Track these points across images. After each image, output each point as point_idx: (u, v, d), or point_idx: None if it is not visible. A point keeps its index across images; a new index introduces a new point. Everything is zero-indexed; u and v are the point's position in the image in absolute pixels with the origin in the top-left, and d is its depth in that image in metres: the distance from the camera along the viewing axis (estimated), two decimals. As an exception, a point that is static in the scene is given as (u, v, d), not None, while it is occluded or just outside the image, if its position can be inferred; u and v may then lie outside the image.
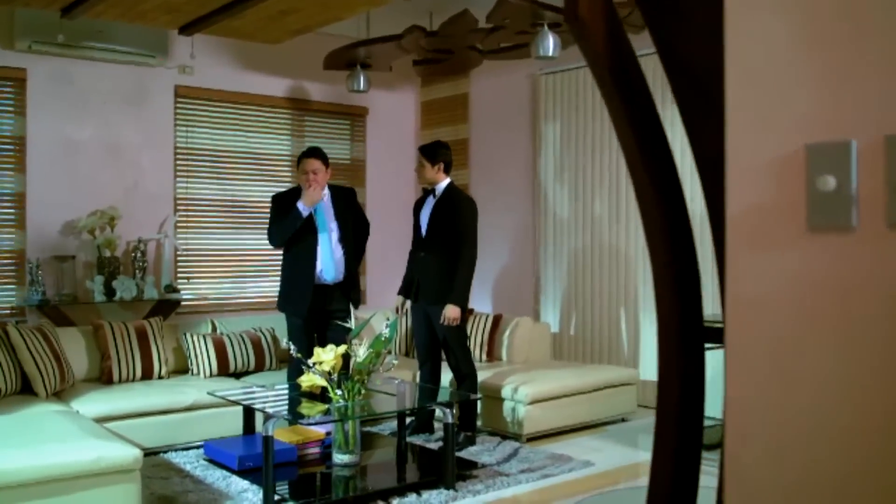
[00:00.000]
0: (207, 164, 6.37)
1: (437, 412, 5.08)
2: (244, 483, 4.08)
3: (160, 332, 5.35)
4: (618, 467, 4.58)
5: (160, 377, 5.22)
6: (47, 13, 5.19)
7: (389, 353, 4.35)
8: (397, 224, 6.59)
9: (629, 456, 4.86)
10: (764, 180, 1.10)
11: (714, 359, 1.56)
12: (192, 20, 5.21)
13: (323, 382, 4.06)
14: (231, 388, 4.89)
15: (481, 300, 6.87)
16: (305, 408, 4.20)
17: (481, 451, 4.81)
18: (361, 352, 4.07)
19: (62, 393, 4.73)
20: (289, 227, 4.80)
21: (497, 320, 6.10)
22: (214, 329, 5.72)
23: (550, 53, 5.07)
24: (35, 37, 5.40)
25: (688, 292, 1.45)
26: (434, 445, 4.85)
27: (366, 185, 7.21)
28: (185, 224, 6.26)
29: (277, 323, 5.45)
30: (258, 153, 6.63)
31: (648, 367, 5.97)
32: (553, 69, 6.52)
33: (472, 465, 4.51)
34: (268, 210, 5.07)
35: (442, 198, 4.99)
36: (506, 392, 5.15)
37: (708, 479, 1.50)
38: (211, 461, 4.45)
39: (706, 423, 1.62)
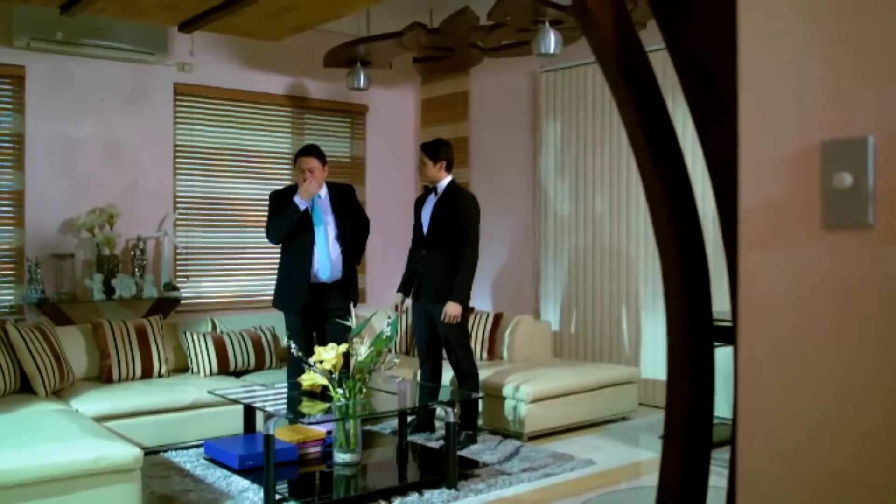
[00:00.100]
0: (207, 161, 6.35)
1: (439, 411, 5.06)
2: (245, 482, 4.07)
3: (160, 331, 5.33)
4: (619, 466, 4.57)
5: (160, 376, 5.21)
6: (46, 10, 5.17)
7: (390, 351, 4.33)
8: (397, 222, 6.58)
9: (631, 454, 4.85)
10: (778, 177, 1.08)
11: (720, 357, 1.55)
12: (191, 17, 5.18)
13: (324, 381, 4.04)
14: (231, 386, 4.88)
15: (482, 299, 6.85)
16: (306, 407, 4.18)
17: (482, 449, 4.79)
18: (362, 350, 4.05)
19: (61, 392, 4.71)
20: (286, 222, 4.77)
21: (498, 319, 6.08)
22: (214, 327, 5.71)
23: (552, 50, 5.04)
24: (34, 34, 5.38)
25: (697, 291, 1.44)
26: (435, 444, 4.83)
27: (366, 183, 7.19)
28: (184, 222, 6.24)
29: (277, 321, 5.43)
30: (258, 151, 6.61)
31: (649, 366, 5.96)
32: (553, 67, 6.50)
33: (474, 464, 4.49)
34: (267, 208, 5.05)
35: (444, 195, 4.97)
36: (507, 391, 5.14)
37: (714, 479, 1.49)
38: (211, 460, 4.43)
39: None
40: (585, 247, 6.41)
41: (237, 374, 5.47)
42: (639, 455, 4.87)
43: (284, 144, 6.75)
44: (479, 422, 5.15)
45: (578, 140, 6.44)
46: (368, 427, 5.18)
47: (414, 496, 3.93)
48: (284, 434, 4.33)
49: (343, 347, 4.05)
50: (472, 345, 5.78)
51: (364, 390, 4.09)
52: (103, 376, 5.04)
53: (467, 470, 4.34)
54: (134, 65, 5.92)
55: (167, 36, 5.92)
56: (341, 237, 4.89)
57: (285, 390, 4.57)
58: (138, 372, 5.12)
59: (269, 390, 4.61)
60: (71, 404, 4.50)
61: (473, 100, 7.23)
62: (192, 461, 4.49)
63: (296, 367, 4.48)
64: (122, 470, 3.32)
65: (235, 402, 4.49)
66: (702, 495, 1.45)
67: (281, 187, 5.23)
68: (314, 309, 4.85)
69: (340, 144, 7.11)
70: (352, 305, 4.58)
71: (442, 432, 4.79)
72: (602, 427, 5.43)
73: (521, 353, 5.97)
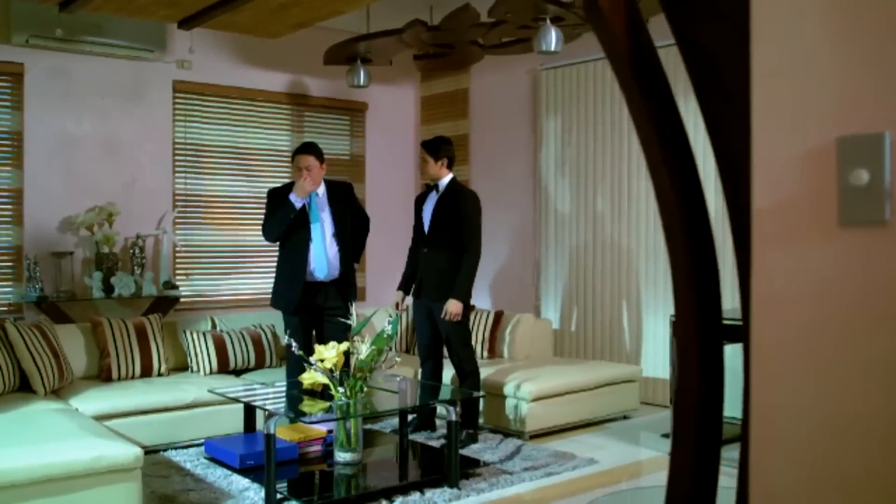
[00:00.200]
0: (206, 159, 6.33)
1: (440, 409, 5.05)
2: (245, 481, 4.05)
3: (159, 329, 5.31)
4: (621, 465, 4.56)
5: (160, 374, 5.19)
6: (45, 7, 5.15)
7: (391, 350, 4.32)
8: (397, 220, 6.57)
9: (632, 453, 4.84)
10: (792, 175, 1.06)
11: (727, 356, 1.53)
12: (191, 14, 5.17)
13: (324, 380, 4.03)
14: (231, 385, 4.86)
15: (482, 297, 6.84)
16: (307, 405, 4.17)
17: (484, 448, 4.78)
18: (363, 349, 4.04)
19: (61, 391, 4.69)
20: (281, 220, 4.74)
21: (498, 317, 6.07)
22: (214, 326, 5.69)
23: (553, 48, 5.03)
24: (33, 31, 5.36)
25: (706, 289, 1.42)
26: (436, 443, 4.82)
27: (365, 181, 7.18)
28: (183, 220, 6.22)
29: (277, 320, 5.41)
30: (257, 148, 6.59)
31: (651, 364, 5.95)
32: (554, 64, 6.48)
33: (475, 463, 4.48)
34: (265, 205, 5.02)
35: (445, 193, 4.95)
36: (508, 389, 5.12)
37: (723, 479, 1.48)
38: (212, 459, 4.41)
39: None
40: (586, 244, 6.39)
41: (237, 372, 5.46)
42: (640, 454, 4.86)
43: (284, 142, 6.73)
44: (480, 420, 5.14)
45: (579, 137, 6.42)
46: (369, 426, 5.17)
47: (415, 495, 3.91)
48: (285, 433, 4.31)
49: (344, 346, 4.03)
50: (473, 343, 5.77)
51: (365, 389, 4.08)
52: (103, 375, 5.03)
53: (469, 469, 4.33)
54: (133, 62, 5.90)
55: (166, 33, 5.90)
56: (339, 235, 4.86)
57: (285, 389, 4.55)
58: (138, 370, 5.10)
59: (270, 389, 4.60)
60: (70, 403, 4.48)
61: (474, 97, 7.21)
62: (192, 460, 4.47)
63: (295, 366, 4.46)
64: (122, 469, 3.31)
65: (236, 400, 4.48)
66: (711, 495, 1.43)
67: (279, 185, 5.21)
68: (311, 308, 4.83)
69: (340, 142, 7.10)
70: (350, 304, 4.57)
71: (443, 431, 4.78)
72: (603, 426, 5.42)
73: (522, 351, 5.96)
